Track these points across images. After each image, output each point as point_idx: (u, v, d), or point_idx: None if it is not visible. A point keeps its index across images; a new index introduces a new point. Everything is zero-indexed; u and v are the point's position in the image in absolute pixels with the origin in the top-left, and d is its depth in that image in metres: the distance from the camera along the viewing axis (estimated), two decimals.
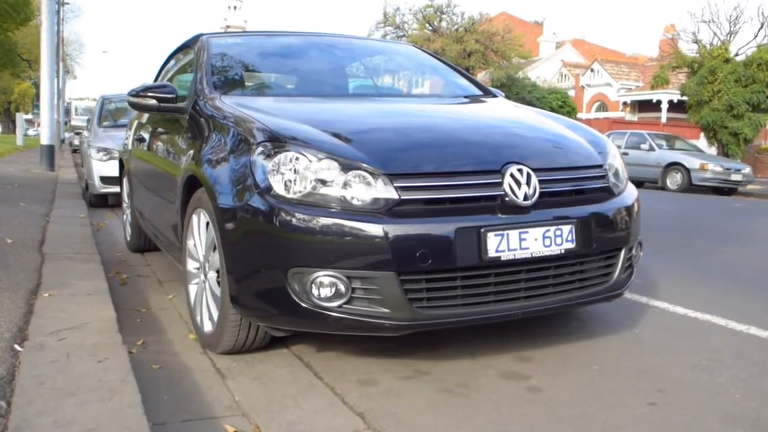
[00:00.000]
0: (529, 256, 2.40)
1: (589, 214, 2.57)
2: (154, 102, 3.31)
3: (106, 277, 3.71)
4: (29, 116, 57.17)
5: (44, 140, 11.85)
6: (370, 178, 2.32)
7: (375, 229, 2.24)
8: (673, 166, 16.16)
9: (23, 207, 6.27)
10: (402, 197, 2.31)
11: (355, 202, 2.30)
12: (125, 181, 5.15)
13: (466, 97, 3.73)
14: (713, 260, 5.24)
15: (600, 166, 2.79)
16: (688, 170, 15.77)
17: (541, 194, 2.48)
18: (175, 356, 2.72)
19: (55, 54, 12.59)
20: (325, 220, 2.26)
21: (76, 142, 20.41)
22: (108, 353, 2.26)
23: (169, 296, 3.74)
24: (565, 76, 38.19)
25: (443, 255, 2.29)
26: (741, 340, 3.04)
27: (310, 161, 2.35)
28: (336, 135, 2.52)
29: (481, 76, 33.81)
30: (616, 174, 2.88)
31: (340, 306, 2.30)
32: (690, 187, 15.68)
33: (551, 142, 2.87)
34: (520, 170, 2.45)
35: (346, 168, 2.33)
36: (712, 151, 19.40)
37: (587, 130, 3.09)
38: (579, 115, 33.97)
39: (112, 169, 7.71)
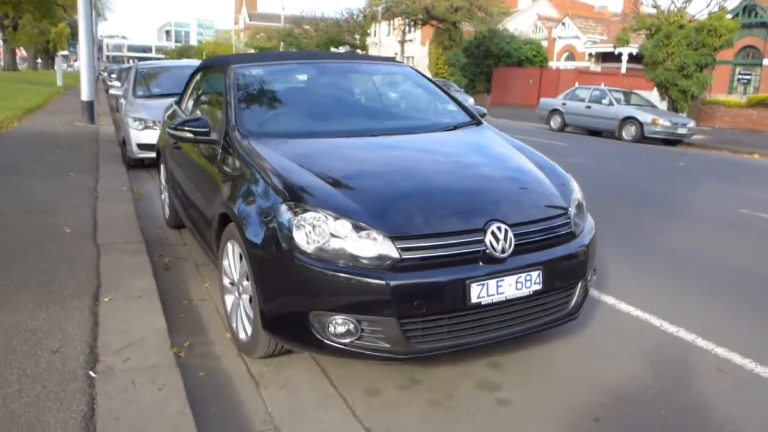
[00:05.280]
0: (504, 299, 2.52)
1: (554, 258, 2.67)
2: (190, 135, 3.33)
3: (152, 263, 3.83)
4: (65, 53, 55.38)
5: (84, 97, 11.65)
6: (376, 236, 2.41)
7: (380, 283, 2.34)
8: (629, 119, 16.16)
9: (73, 178, 6.29)
10: (403, 256, 2.39)
11: (363, 258, 2.39)
12: (162, 167, 5.17)
13: (455, 127, 3.69)
14: (654, 257, 5.40)
15: (565, 211, 2.84)
16: (641, 124, 15.79)
17: (516, 245, 2.58)
18: (217, 360, 2.87)
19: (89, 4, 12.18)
20: (340, 275, 2.36)
21: (109, 83, 19.59)
22: (165, 379, 2.40)
23: (205, 284, 3.87)
24: (539, 28, 37.07)
25: (435, 303, 2.41)
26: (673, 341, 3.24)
27: (327, 220, 2.43)
28: (349, 192, 2.58)
29: (467, 27, 32.82)
30: (579, 207, 2.96)
31: (351, 342, 2.44)
32: (642, 138, 15.70)
33: (526, 191, 2.91)
34: (499, 228, 2.53)
35: (357, 228, 2.42)
36: (663, 105, 19.18)
37: (555, 171, 3.14)
38: (550, 64, 33.26)
39: (147, 137, 7.68)
